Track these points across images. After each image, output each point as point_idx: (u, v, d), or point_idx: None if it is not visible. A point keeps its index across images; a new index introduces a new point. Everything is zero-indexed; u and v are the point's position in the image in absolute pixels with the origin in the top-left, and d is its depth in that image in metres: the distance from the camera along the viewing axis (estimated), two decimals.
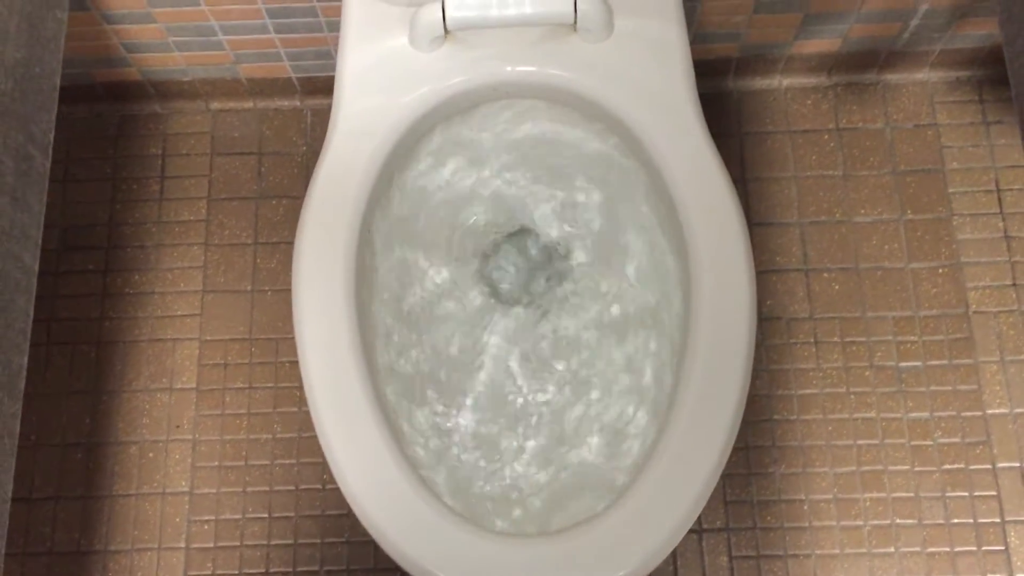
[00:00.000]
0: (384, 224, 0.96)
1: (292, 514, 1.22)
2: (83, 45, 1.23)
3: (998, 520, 1.20)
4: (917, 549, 1.19)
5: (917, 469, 1.22)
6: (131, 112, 1.39)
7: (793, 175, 1.33)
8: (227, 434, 1.26)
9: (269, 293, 1.31)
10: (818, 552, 1.20)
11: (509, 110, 0.99)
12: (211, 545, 1.22)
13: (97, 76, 1.31)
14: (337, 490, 1.22)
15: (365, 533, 1.19)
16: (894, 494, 1.21)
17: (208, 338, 1.29)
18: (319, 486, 1.23)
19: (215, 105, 1.39)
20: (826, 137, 1.35)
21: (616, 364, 1.01)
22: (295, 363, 1.28)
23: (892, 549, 1.19)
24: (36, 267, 0.73)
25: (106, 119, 1.39)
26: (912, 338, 1.26)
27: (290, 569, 1.21)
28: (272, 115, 1.39)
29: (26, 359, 0.70)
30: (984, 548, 1.19)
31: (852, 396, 1.24)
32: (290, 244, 1.31)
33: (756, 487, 1.22)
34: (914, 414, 1.23)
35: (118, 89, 1.35)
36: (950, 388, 1.24)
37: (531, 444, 1.00)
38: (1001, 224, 1.30)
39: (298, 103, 1.38)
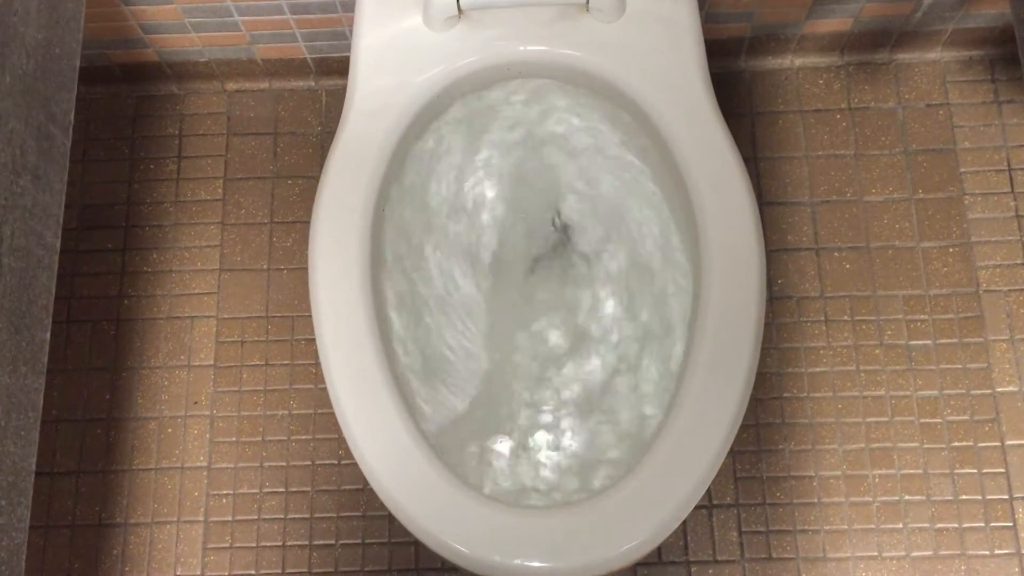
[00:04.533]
0: (398, 200, 0.98)
1: (308, 489, 1.24)
2: (101, 26, 1.25)
3: (1006, 496, 1.21)
4: (925, 525, 1.20)
5: (926, 446, 1.23)
6: (148, 93, 1.40)
7: (804, 155, 1.34)
8: (244, 410, 1.28)
9: (285, 272, 1.33)
10: (827, 528, 1.21)
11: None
12: (229, 518, 1.24)
13: (115, 57, 1.33)
14: (353, 465, 1.24)
15: (380, 507, 1.21)
16: (903, 471, 1.22)
17: (225, 316, 1.31)
18: (335, 461, 1.25)
19: (231, 86, 1.40)
20: (838, 117, 1.35)
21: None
22: (311, 340, 1.30)
23: (900, 525, 1.20)
24: (58, 245, 0.74)
25: (124, 100, 1.40)
26: (922, 317, 1.27)
27: (307, 542, 1.23)
28: (287, 96, 1.40)
29: (48, 335, 0.71)
30: (992, 524, 1.20)
31: (862, 374, 1.25)
32: (306, 223, 1.32)
33: (766, 464, 1.23)
34: (923, 392, 1.24)
35: (135, 70, 1.36)
36: (960, 366, 1.25)
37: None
38: (1012, 203, 1.31)
39: (313, 84, 1.40)
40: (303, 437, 1.26)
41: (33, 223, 0.70)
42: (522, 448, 1.00)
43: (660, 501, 0.82)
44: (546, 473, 0.98)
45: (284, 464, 1.25)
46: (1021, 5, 0.74)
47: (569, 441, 1.00)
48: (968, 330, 1.26)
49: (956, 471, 1.22)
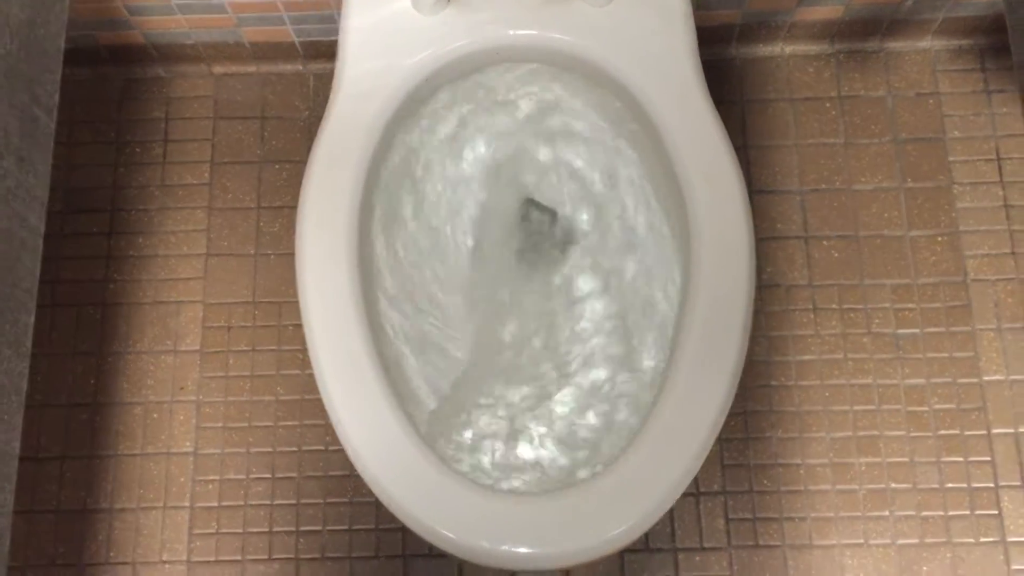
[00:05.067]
0: (387, 184, 0.97)
1: (295, 475, 1.24)
2: (87, 7, 1.23)
3: (992, 485, 1.21)
4: (911, 513, 1.21)
5: (913, 434, 1.23)
6: (134, 75, 1.39)
7: (794, 143, 1.34)
8: (231, 396, 1.27)
9: (272, 257, 1.32)
10: (813, 515, 1.21)
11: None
12: (215, 504, 1.24)
13: (101, 38, 1.31)
14: (340, 451, 1.24)
15: (368, 493, 1.21)
16: (889, 459, 1.22)
17: (212, 301, 1.30)
18: (322, 447, 1.25)
19: (218, 69, 1.39)
20: (828, 105, 1.35)
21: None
22: (298, 326, 1.29)
23: (887, 513, 1.21)
24: (42, 227, 0.73)
25: (110, 82, 1.39)
26: (910, 305, 1.27)
27: (293, 528, 1.22)
28: (275, 80, 1.39)
29: (32, 318, 0.70)
30: (977, 512, 1.20)
31: (849, 362, 1.26)
32: (292, 208, 1.32)
33: (753, 451, 1.23)
34: (910, 380, 1.25)
35: (122, 52, 1.35)
36: (947, 355, 1.25)
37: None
38: (1001, 193, 1.31)
39: (301, 67, 1.39)
40: (290, 423, 1.26)
41: (16, 205, 0.69)
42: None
43: (648, 488, 0.82)
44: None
45: (271, 450, 1.25)
46: None
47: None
48: (955, 319, 1.27)
49: (942, 459, 1.22)
